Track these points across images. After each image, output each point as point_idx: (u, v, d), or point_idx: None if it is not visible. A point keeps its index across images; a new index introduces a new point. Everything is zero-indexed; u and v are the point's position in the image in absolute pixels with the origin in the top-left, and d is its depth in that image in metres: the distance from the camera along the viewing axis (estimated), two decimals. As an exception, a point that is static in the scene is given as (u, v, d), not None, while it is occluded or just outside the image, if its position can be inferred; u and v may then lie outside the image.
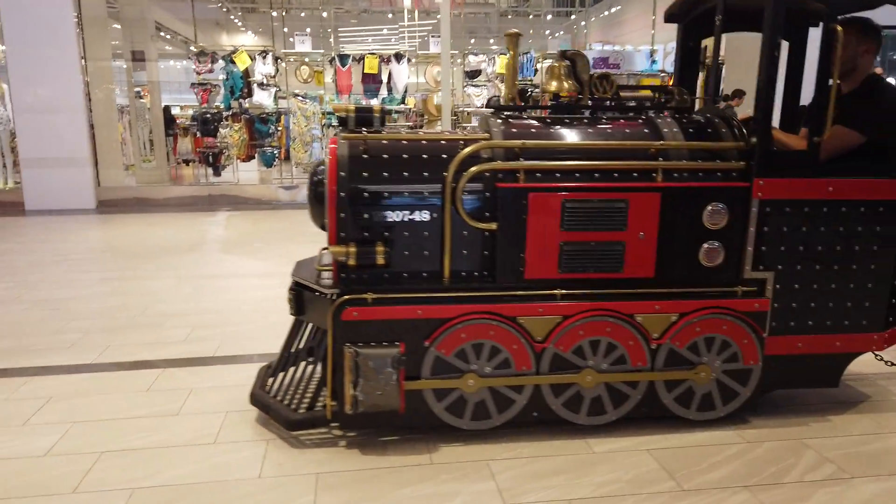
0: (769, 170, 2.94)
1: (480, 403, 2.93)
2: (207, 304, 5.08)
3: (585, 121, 3.15)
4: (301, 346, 3.27)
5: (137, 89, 14.47)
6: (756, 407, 3.11)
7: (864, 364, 3.54)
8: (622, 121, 3.17)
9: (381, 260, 2.86)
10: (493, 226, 2.90)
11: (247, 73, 11.72)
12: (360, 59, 11.96)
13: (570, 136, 3.04)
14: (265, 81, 11.99)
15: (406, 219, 2.95)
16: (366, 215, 2.92)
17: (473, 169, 2.87)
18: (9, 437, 3.02)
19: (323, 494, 2.58)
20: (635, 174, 2.97)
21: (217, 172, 12.03)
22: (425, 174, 2.93)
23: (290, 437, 2.97)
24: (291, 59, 12.86)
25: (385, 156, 2.96)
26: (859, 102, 3.22)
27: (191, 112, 13.57)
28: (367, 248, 2.86)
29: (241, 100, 11.69)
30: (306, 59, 12.72)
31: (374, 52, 12.15)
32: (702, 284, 3.01)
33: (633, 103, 3.32)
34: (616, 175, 2.96)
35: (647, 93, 3.36)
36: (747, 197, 2.95)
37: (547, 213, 2.88)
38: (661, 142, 2.97)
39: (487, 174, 2.92)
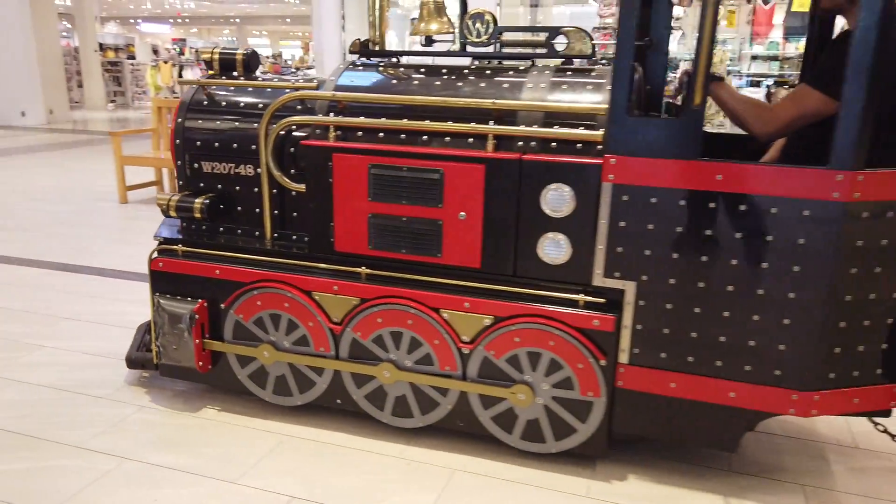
0: (626, 144, 2.15)
1: (281, 378, 2.71)
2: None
3: (444, 71, 2.60)
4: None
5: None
6: (601, 452, 2.39)
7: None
8: (488, 71, 2.56)
9: (197, 213, 2.75)
10: (303, 188, 2.59)
11: None
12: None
13: (405, 89, 2.55)
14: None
15: (233, 172, 2.78)
16: (195, 165, 2.82)
17: (281, 123, 2.57)
18: None
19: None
20: (471, 139, 2.40)
21: None
22: (254, 125, 2.72)
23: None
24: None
25: (223, 103, 2.80)
26: (839, 51, 2.17)
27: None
28: (187, 199, 2.77)
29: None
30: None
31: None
32: (543, 286, 2.36)
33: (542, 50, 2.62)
34: (435, 140, 2.43)
35: (539, 37, 2.62)
36: (597, 179, 2.21)
37: (353, 178, 2.48)
38: (494, 100, 2.34)
39: (308, 128, 2.60)
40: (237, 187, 2.79)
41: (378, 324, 2.51)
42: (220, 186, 2.81)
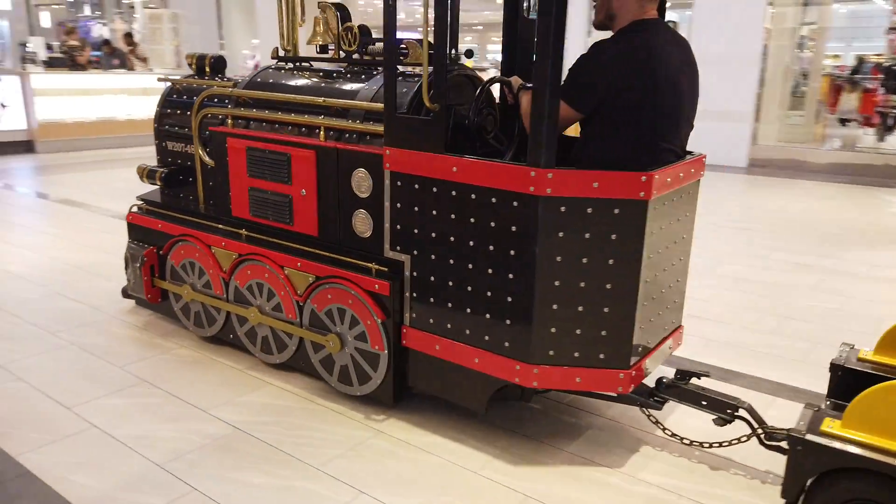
0: (395, 139, 2.57)
1: (198, 313, 3.45)
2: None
3: (321, 73, 3.16)
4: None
5: (804, 35, 11.28)
6: (390, 401, 2.81)
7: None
8: (349, 75, 3.07)
9: (158, 181, 3.58)
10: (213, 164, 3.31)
11: None
12: None
13: (282, 88, 3.15)
14: None
15: (185, 150, 3.57)
16: (164, 144, 3.66)
17: (200, 112, 3.31)
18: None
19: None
20: (317, 130, 2.95)
21: (881, 137, 10.06)
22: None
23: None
24: None
25: (184, 97, 3.60)
26: (576, 64, 2.41)
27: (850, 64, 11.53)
28: (153, 170, 3.61)
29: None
30: None
31: None
32: (356, 255, 2.84)
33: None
34: (291, 129, 3.01)
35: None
36: (381, 167, 2.65)
37: (239, 158, 3.14)
38: (324, 98, 2.86)
39: (220, 117, 3.31)
40: (189, 163, 3.58)
41: (248, 275, 3.15)
42: (178, 162, 3.62)
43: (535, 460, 2.58)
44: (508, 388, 2.62)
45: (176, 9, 14.12)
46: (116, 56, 12.05)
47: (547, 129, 2.20)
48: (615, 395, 2.62)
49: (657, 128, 2.35)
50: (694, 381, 2.62)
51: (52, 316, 3.84)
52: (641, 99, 2.30)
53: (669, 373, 2.72)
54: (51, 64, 11.12)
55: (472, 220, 2.43)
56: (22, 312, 3.90)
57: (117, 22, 17.92)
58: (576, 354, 2.40)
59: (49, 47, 13.57)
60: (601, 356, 2.39)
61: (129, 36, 13.10)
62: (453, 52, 3.05)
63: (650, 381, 2.67)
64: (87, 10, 21.94)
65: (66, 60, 11.16)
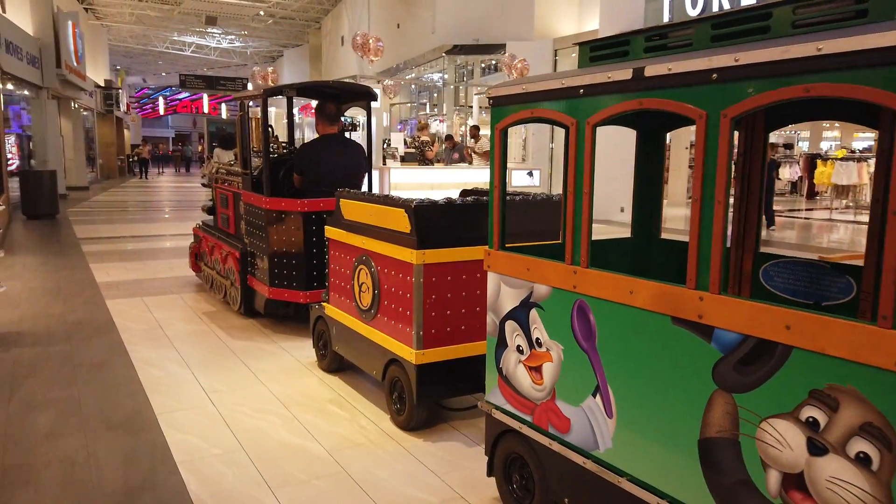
0: (245, 185, 5.68)
1: (206, 278, 6.79)
2: None
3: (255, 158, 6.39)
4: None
5: None
6: (244, 313, 5.77)
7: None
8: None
9: (205, 211, 7.08)
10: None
11: None
12: None
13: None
14: None
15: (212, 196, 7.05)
16: (212, 193, 7.18)
17: (214, 176, 6.76)
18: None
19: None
20: (237, 184, 6.18)
21: None
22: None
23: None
24: None
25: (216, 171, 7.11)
26: (299, 149, 5.34)
27: None
28: (204, 205, 7.14)
29: None
30: None
31: None
32: (242, 242, 5.95)
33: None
34: (232, 184, 6.28)
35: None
36: (240, 198, 5.77)
37: (218, 198, 6.49)
38: (241, 169, 6.09)
39: (219, 179, 6.71)
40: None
41: (214, 255, 6.42)
42: (213, 201, 7.10)
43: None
44: (290, 307, 5.46)
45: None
46: (456, 150, 12.29)
47: (269, 182, 5.16)
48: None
49: (320, 181, 5.14)
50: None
51: (331, 441, 3.43)
52: (312, 168, 5.13)
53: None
54: (404, 159, 11.54)
55: (258, 221, 5.43)
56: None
57: (455, 118, 18.67)
58: (285, 283, 5.21)
59: (405, 143, 13.67)
60: (295, 284, 5.17)
61: (475, 128, 13.47)
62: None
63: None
64: (426, 108, 23.02)
65: (416, 155, 11.80)
